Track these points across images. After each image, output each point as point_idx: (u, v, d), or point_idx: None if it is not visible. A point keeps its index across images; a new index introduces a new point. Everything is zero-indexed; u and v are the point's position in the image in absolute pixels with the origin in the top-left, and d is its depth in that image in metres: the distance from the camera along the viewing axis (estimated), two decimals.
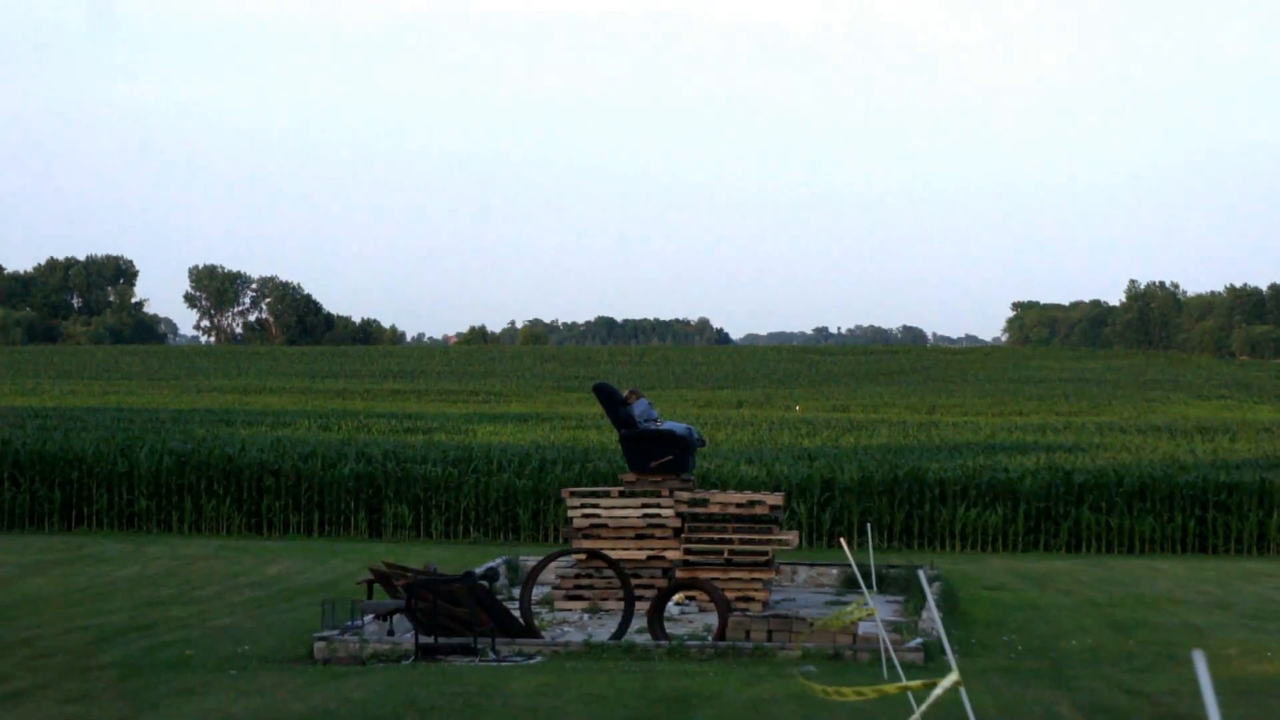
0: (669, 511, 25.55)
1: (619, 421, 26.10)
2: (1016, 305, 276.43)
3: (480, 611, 20.30)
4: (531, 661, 19.49)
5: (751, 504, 25.60)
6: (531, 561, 28.57)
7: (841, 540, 16.95)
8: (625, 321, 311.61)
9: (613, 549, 25.18)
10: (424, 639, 20.15)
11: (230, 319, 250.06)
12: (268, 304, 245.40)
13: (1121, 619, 24.16)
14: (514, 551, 32.24)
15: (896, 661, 13.64)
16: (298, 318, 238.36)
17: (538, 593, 26.03)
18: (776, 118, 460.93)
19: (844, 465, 39.31)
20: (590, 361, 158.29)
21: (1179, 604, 26.17)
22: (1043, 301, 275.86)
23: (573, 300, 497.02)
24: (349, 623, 21.11)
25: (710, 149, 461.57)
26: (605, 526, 25.67)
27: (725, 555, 25.38)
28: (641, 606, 23.45)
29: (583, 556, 25.04)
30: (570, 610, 25.09)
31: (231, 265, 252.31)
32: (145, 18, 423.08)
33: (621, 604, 23.12)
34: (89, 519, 38.09)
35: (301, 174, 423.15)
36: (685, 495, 25.66)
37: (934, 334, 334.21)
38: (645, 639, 21.02)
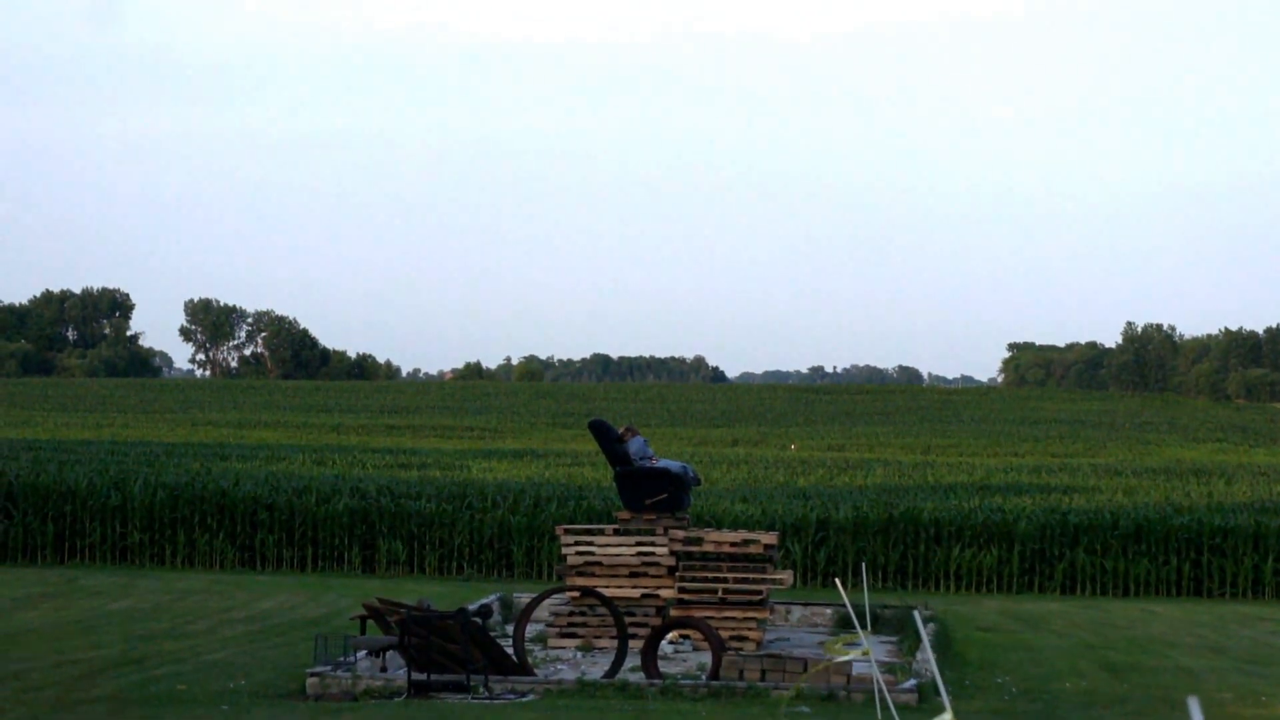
0: (663, 549, 25.50)
1: (614, 459, 26.06)
2: (1012, 346, 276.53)
3: (474, 648, 20.25)
4: (524, 699, 19.43)
5: (746, 543, 25.54)
6: (525, 598, 28.50)
7: (837, 580, 16.94)
8: (621, 359, 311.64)
9: (607, 587, 25.12)
10: (417, 675, 20.09)
11: (225, 353, 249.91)
12: (263, 338, 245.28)
13: (1116, 662, 24.12)
14: (508, 588, 32.18)
15: (891, 702, 13.61)
16: (293, 352, 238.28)
17: (531, 630, 25.97)
18: (770, 156, 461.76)
19: (839, 505, 39.28)
20: (585, 398, 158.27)
21: (1173, 647, 26.14)
22: (1039, 343, 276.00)
23: (568, 337, 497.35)
24: (342, 658, 21.05)
25: (706, 186, 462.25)
26: (599, 564, 25.61)
27: (719, 594, 25.31)
28: (635, 645, 23.39)
29: (577, 594, 24.97)
30: (564, 648, 25.03)
31: (227, 299, 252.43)
32: (141, 48, 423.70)
33: (615, 642, 23.06)
34: (82, 552, 38.01)
35: (298, 208, 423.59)
36: (680, 533, 25.60)
37: (930, 374, 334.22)
38: (639, 677, 20.97)
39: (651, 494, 25.65)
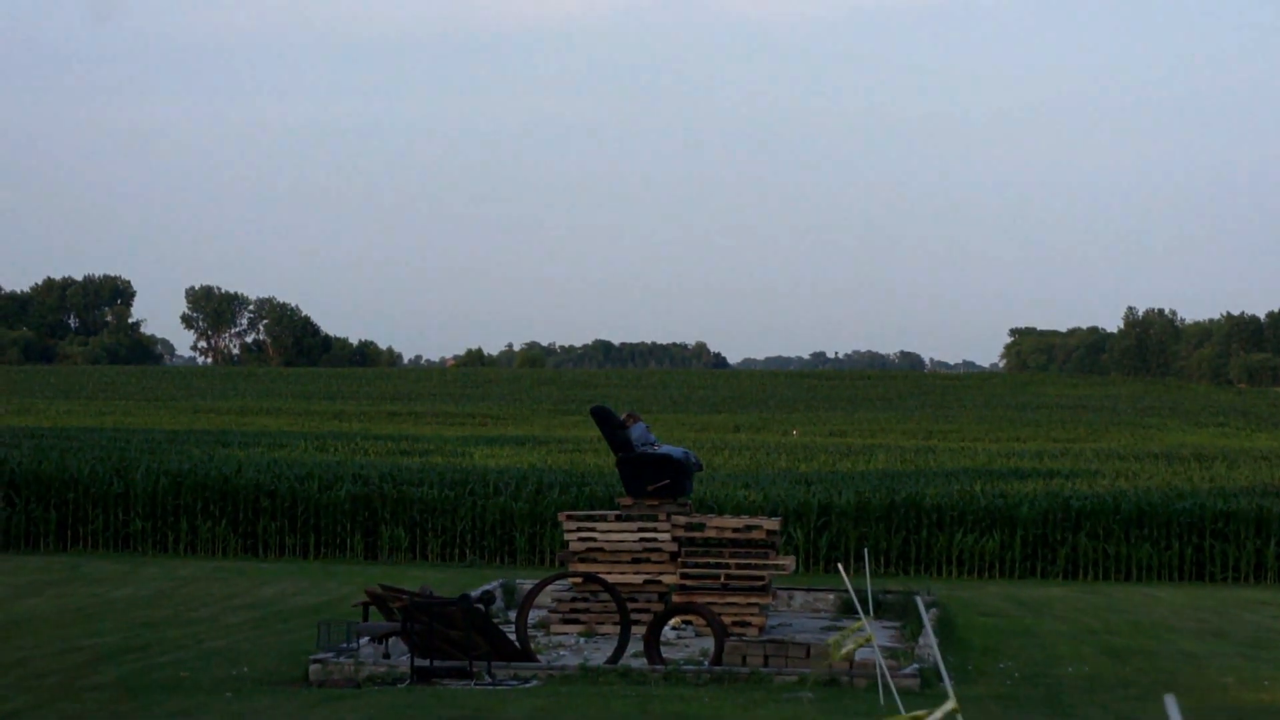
0: (666, 535, 25.51)
1: (616, 445, 26.07)
2: (1014, 331, 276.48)
3: (476, 635, 20.27)
4: (527, 685, 19.45)
5: (748, 528, 25.55)
6: (528, 585, 28.52)
7: (839, 566, 16.93)
8: (623, 345, 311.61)
9: (609, 573, 25.13)
10: (419, 662, 20.11)
11: (227, 340, 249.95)
12: (265, 325, 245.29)
13: (1118, 646, 24.14)
14: (510, 574, 32.19)
15: (894, 688, 13.61)
16: (295, 339, 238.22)
17: (534, 616, 25.97)
18: (773, 142, 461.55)
19: (841, 490, 39.28)
20: (587, 385, 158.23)
21: (1176, 632, 26.15)
22: (1040, 328, 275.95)
23: (570, 323, 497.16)
24: (344, 645, 21.07)
25: (708, 172, 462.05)
26: (602, 550, 25.62)
27: (722, 580, 25.33)
28: (638, 631, 23.41)
29: (579, 580, 24.99)
30: (566, 634, 25.05)
31: (229, 286, 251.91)
32: (143, 36, 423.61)
33: (618, 628, 23.09)
34: (84, 539, 38.03)
35: (299, 195, 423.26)
36: (682, 519, 25.62)
37: (931, 360, 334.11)
38: (641, 663, 20.99)
39: (653, 480, 25.66)
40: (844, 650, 13.59)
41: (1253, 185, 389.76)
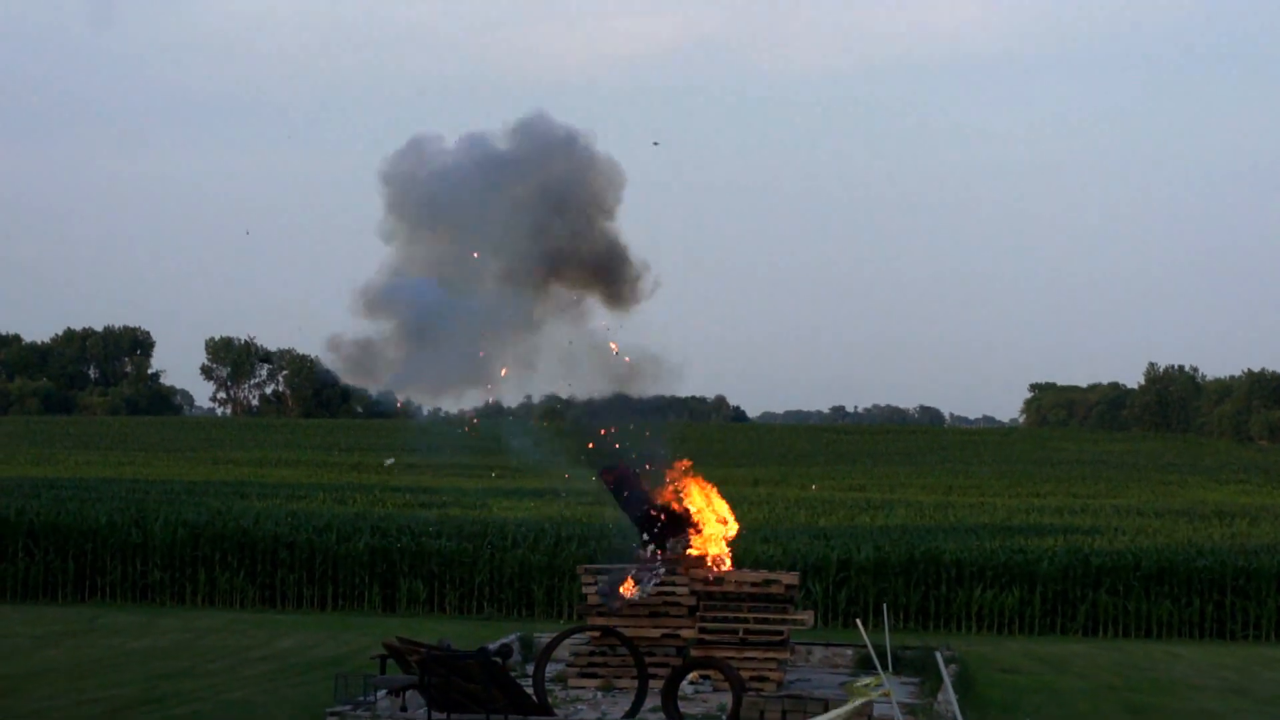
0: (684, 589, 25.45)
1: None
2: (1034, 387, 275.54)
3: (494, 688, 20.20)
4: None
5: (767, 583, 25.49)
6: (546, 638, 28.45)
7: (858, 621, 16.86)
8: (641, 399, 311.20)
9: (627, 626, 25.06)
10: (437, 715, 20.04)
11: (246, 391, 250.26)
12: (284, 376, 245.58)
13: (1139, 704, 24.02)
14: (528, 628, 32.13)
15: None
16: (314, 390, 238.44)
17: (551, 670, 25.88)
18: (790, 195, 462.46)
19: (860, 545, 39.19)
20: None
21: (1197, 689, 26.02)
22: (1060, 383, 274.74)
23: (589, 376, 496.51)
24: (362, 698, 21.02)
25: (725, 225, 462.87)
26: None
27: (740, 634, 25.26)
28: (655, 685, 23.32)
29: (597, 634, 24.93)
30: (584, 688, 24.97)
31: (248, 337, 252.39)
32: (160, 86, 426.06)
33: (635, 682, 23.01)
34: (102, 590, 38.02)
35: (318, 247, 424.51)
36: (701, 573, 25.56)
37: (951, 414, 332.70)
38: (659, 718, 20.91)
39: (673, 533, 25.62)
40: (860, 689, 13.49)
41: (1276, 241, 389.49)
